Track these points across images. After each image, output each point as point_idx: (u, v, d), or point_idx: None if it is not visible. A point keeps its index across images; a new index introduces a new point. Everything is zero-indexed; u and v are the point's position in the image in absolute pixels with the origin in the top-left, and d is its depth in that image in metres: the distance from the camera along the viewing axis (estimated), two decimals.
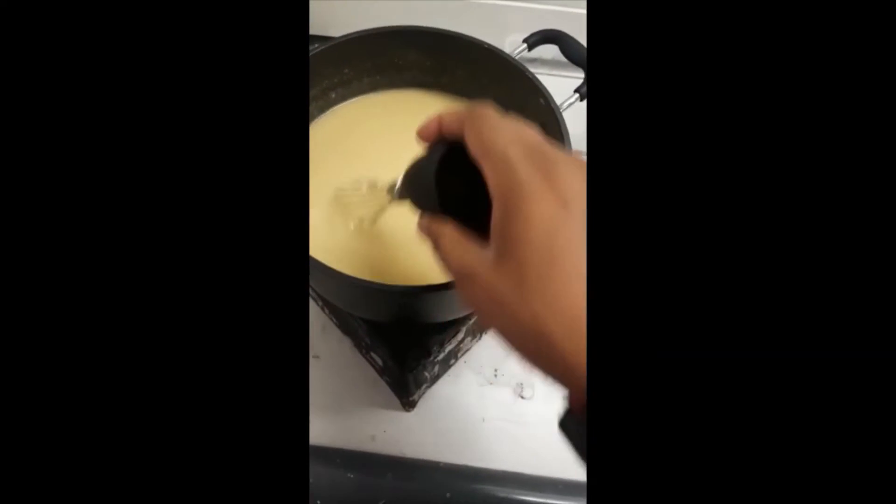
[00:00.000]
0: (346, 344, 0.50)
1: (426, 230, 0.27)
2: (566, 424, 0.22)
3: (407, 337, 0.42)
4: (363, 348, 0.47)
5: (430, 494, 0.45)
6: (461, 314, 0.43)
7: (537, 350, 0.21)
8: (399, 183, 0.31)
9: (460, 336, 0.46)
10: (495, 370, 0.50)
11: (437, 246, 0.26)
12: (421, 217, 0.27)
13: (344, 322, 0.47)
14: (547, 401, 0.49)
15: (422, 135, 0.27)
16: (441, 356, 0.45)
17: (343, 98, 0.47)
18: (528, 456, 0.47)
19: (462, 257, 0.24)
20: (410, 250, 0.41)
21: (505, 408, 0.49)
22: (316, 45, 0.43)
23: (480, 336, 0.51)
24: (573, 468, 0.45)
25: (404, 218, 0.35)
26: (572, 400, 0.21)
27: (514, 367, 0.50)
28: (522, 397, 0.49)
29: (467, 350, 0.50)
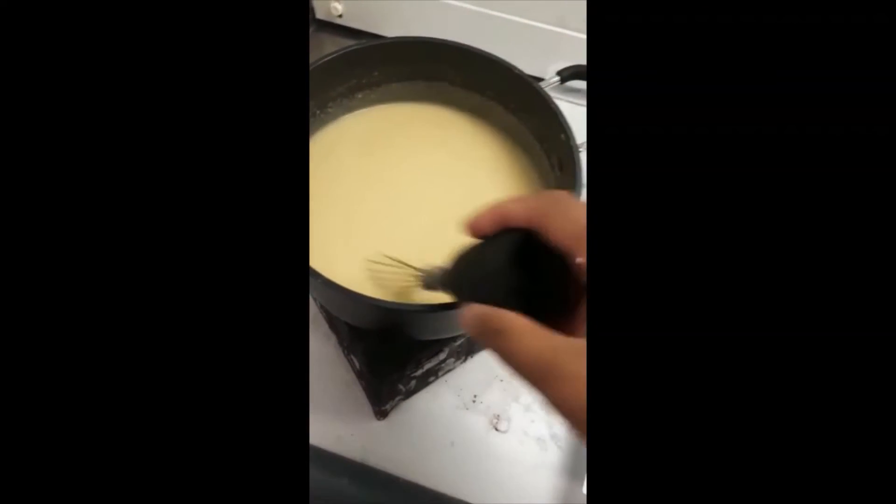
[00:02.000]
0: (332, 340, 0.50)
1: (485, 322, 0.23)
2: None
3: (385, 347, 0.42)
4: (345, 348, 0.47)
5: None
6: (446, 335, 0.42)
7: None
8: (443, 271, 0.29)
9: (442, 356, 0.45)
10: (475, 396, 0.49)
11: (503, 338, 0.22)
12: (470, 309, 0.24)
13: (331, 318, 0.47)
14: (521, 439, 0.48)
15: (475, 228, 0.25)
16: (419, 372, 0.45)
17: (370, 102, 0.47)
18: (492, 490, 0.46)
19: (542, 350, 0.20)
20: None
21: (477, 436, 0.48)
22: (360, 42, 0.43)
23: (466, 359, 0.50)
24: None
25: None
26: None
27: (495, 396, 0.49)
28: (497, 429, 0.48)
29: (450, 370, 0.50)
